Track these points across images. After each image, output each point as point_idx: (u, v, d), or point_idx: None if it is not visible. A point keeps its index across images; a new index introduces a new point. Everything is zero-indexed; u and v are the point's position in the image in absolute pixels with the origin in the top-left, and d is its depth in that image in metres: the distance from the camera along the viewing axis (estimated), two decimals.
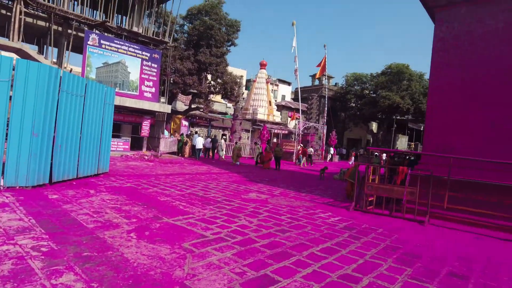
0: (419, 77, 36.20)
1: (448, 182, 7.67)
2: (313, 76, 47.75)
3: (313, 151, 28.01)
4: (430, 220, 7.67)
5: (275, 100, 47.15)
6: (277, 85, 59.11)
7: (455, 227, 7.40)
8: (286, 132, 36.07)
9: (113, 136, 15.93)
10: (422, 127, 38.35)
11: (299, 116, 31.35)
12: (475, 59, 8.56)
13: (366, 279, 3.95)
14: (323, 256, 4.63)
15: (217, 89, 26.55)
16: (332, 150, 33.03)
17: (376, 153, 23.82)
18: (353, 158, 30.06)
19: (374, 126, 43.63)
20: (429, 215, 7.65)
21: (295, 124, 34.03)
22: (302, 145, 26.31)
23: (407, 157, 15.81)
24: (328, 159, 32.06)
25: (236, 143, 22.14)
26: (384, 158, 16.90)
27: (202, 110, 27.66)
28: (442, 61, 9.08)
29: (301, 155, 23.56)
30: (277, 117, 38.65)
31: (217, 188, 10.03)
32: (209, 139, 22.37)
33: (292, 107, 43.75)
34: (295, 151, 26.54)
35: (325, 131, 32.93)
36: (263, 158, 19.62)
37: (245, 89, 50.09)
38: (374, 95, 37.64)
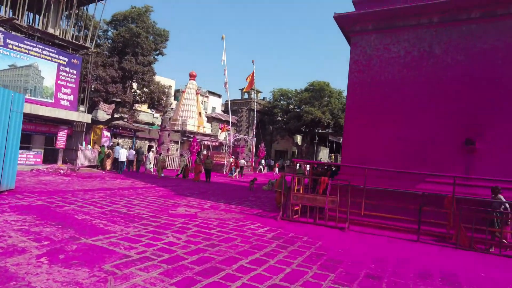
0: (338, 94, 39.47)
1: (364, 191, 8.44)
2: (243, 90, 48.81)
3: (245, 163, 28.39)
4: (350, 227, 8.31)
5: (205, 112, 46.88)
6: (207, 97, 58.92)
7: (371, 231, 8.13)
8: (217, 144, 36.02)
9: (22, 148, 14.11)
10: (341, 140, 41.67)
11: (230, 128, 31.61)
12: (384, 80, 9.67)
13: (293, 287, 4.09)
14: (252, 268, 4.68)
15: (143, 98, 25.44)
16: (263, 162, 33.89)
17: (299, 164, 25.05)
18: (276, 169, 31.27)
19: (299, 139, 46.09)
20: (348, 222, 8.28)
21: (226, 136, 34.22)
22: (234, 157, 26.50)
23: (329, 168, 16.98)
24: (258, 170, 32.79)
25: (160, 154, 21.31)
26: (308, 169, 17.89)
27: (126, 120, 26.14)
28: (356, 81, 10.06)
29: (234, 167, 23.68)
30: (207, 128, 38.38)
31: (142, 203, 9.50)
32: (132, 151, 21.12)
33: (223, 119, 43.98)
34: (225, 162, 26.59)
35: (254, 143, 33.70)
36: (187, 171, 19.22)
37: (174, 100, 48.89)
38: (299, 110, 39.88)
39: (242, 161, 25.93)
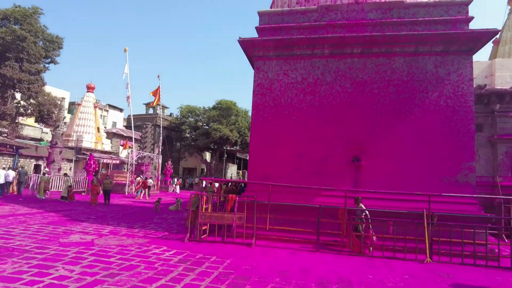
0: (245, 113, 41.05)
1: (269, 206, 8.86)
2: (148, 104, 46.76)
3: (152, 182, 26.84)
4: (257, 242, 8.58)
5: (105, 127, 43.29)
6: (107, 111, 54.62)
7: (276, 245, 8.53)
8: (118, 162, 33.40)
9: None
10: (248, 157, 43.10)
11: (133, 145, 29.75)
12: (285, 102, 10.47)
13: None
14: None
15: (30, 110, 22.27)
16: (176, 181, 32.52)
17: (210, 182, 24.95)
18: (178, 187, 30.30)
19: (207, 155, 46.04)
20: (255, 238, 8.55)
21: (128, 153, 32.04)
22: (142, 176, 24.87)
23: (239, 184, 17.33)
24: (172, 190, 31.34)
25: (44, 174, 18.81)
26: (216, 186, 17.92)
27: (6, 135, 22.41)
28: (260, 102, 10.66)
29: (141, 188, 22.18)
30: (107, 145, 35.40)
31: (26, 233, 8.19)
32: (12, 172, 18.10)
33: (125, 135, 41.17)
34: (127, 182, 24.79)
35: (160, 161, 32.34)
36: (71, 194, 17.36)
37: (68, 113, 43.97)
38: (207, 127, 40.05)
39: (150, 181, 24.54)
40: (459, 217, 8.47)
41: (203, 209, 8.98)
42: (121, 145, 39.04)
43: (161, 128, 35.30)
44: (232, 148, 42.61)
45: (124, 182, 25.08)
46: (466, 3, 9.81)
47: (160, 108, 41.97)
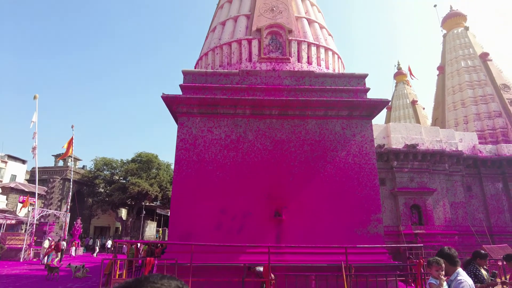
0: (167, 166, 39.74)
1: (191, 269, 8.34)
2: (57, 156, 42.35)
3: (65, 244, 23.25)
4: None
5: (0, 181, 37.47)
6: (5, 162, 47.70)
7: None
8: (13, 222, 28.61)
9: None
10: (169, 213, 40.94)
11: (35, 202, 26.06)
12: (208, 158, 10.52)
13: None
14: None
15: None
16: (99, 242, 28.70)
17: (124, 245, 22.72)
18: (75, 249, 26.69)
19: (123, 212, 42.47)
20: None
21: (29, 211, 27.88)
22: (50, 238, 21.41)
23: (159, 245, 16.09)
24: (96, 253, 27.45)
25: None
26: (133, 247, 16.36)
27: None
28: (183, 158, 10.53)
29: (54, 252, 18.95)
30: (1, 202, 30.38)
31: None
32: None
33: (26, 190, 35.99)
34: (24, 246, 21.16)
35: (68, 219, 28.69)
36: None
37: None
38: (124, 181, 37.49)
39: (63, 243, 21.25)
40: (372, 267, 9.07)
41: (117, 275, 8.05)
42: (20, 202, 33.88)
43: (71, 182, 31.94)
44: (152, 204, 40.20)
45: (19, 246, 21.39)
46: (363, 77, 11.57)
47: (71, 160, 38.38)
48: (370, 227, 10.06)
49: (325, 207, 10.17)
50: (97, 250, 27.57)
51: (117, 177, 38.96)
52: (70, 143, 27.93)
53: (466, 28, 26.09)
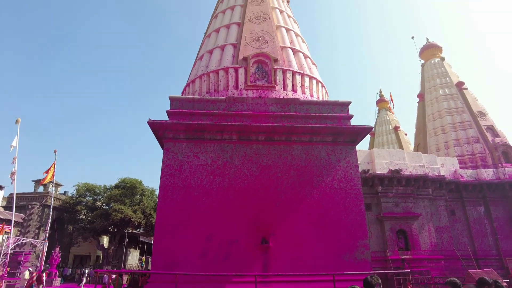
0: (151, 192, 38.98)
1: None
2: (38, 182, 41.04)
3: (45, 275, 21.94)
4: None
5: None
6: None
7: None
8: None
9: None
10: (152, 241, 39.70)
11: (11, 230, 24.89)
12: (194, 184, 10.43)
13: None
14: None
15: None
16: (87, 271, 27.09)
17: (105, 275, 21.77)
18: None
19: (105, 240, 40.97)
20: None
21: (3, 240, 26.56)
22: (31, 269, 20.22)
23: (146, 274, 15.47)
24: (82, 284, 25.90)
25: None
26: (113, 277, 15.69)
27: None
28: (168, 184, 10.40)
29: (35, 283, 17.82)
30: None
31: None
32: None
33: (2, 217, 34.45)
34: None
35: (45, 248, 27.41)
36: None
37: None
38: (107, 207, 36.46)
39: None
40: None
41: None
42: None
43: (51, 209, 30.83)
44: (135, 231, 39.05)
45: None
46: (346, 104, 11.92)
47: (52, 186, 37.23)
48: (357, 253, 10.02)
49: (312, 233, 10.11)
50: (84, 280, 26.16)
51: (99, 204, 37.90)
52: (52, 168, 27.20)
53: (442, 59, 27.43)
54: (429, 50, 28.06)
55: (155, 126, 10.81)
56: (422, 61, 28.57)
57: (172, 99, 11.52)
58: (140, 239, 42.88)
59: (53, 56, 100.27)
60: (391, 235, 16.09)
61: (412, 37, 31.40)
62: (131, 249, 43.43)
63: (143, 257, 45.36)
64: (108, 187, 38.31)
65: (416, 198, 17.40)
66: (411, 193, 17.16)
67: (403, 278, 13.12)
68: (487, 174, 19.93)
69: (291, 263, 9.64)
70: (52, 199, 34.96)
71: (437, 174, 18.36)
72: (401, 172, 16.92)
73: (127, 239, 37.60)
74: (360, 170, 13.89)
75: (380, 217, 16.38)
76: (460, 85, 25.18)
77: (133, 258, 44.48)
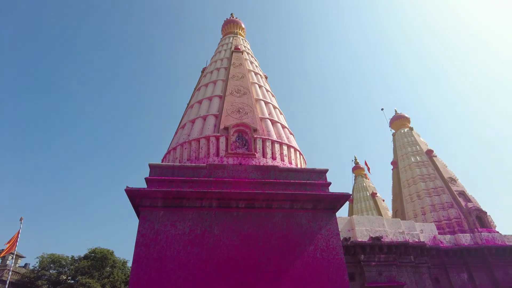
0: (122, 264, 36.41)
1: None
2: None
3: None
4: None
5: None
6: None
7: None
8: None
9: None
10: None
11: None
12: (171, 255, 9.91)
13: None
14: None
15: None
16: None
17: None
18: None
19: None
20: None
21: None
22: None
23: None
24: None
25: None
26: None
27: None
28: (143, 254, 9.82)
29: None
30: None
31: None
32: None
33: None
34: None
35: None
36: None
37: None
38: (73, 281, 33.40)
39: None
40: None
41: None
42: None
43: (8, 285, 27.87)
44: None
45: None
46: (324, 172, 12.27)
47: (12, 258, 34.20)
48: None
49: None
50: None
51: (64, 277, 34.75)
52: (15, 237, 25.32)
53: (411, 129, 29.35)
54: (398, 121, 30.07)
55: (132, 193, 10.58)
56: (393, 131, 30.37)
57: (151, 166, 11.50)
58: None
59: (28, 108, 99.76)
60: None
61: (382, 109, 33.82)
62: None
63: None
64: (76, 258, 35.57)
65: (399, 266, 17.09)
66: (393, 260, 16.89)
67: None
68: (465, 239, 20.12)
69: None
70: (10, 273, 31.86)
71: (417, 240, 18.36)
72: (382, 239, 16.84)
73: None
74: (341, 238, 13.77)
75: (364, 287, 15.80)
76: (429, 152, 26.61)
77: None
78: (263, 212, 10.97)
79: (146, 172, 11.57)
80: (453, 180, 24.70)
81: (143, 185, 11.02)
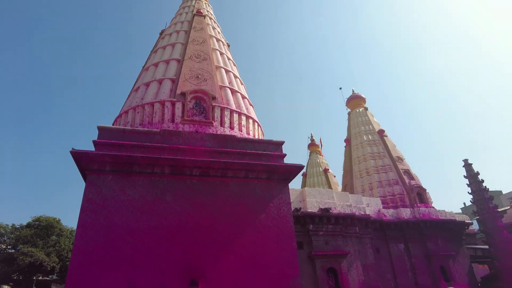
0: (70, 233, 34.99)
1: None
2: None
3: None
4: None
5: None
6: None
7: None
8: None
9: None
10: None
11: None
12: (119, 222, 9.55)
13: None
14: None
15: None
16: None
17: None
18: None
19: None
20: None
21: None
22: None
23: None
24: None
25: None
26: None
27: None
28: (88, 220, 9.38)
29: None
30: None
31: None
32: None
33: None
34: None
35: None
36: None
37: None
38: (13, 250, 31.58)
39: None
40: None
41: None
42: None
43: None
44: (46, 278, 34.07)
45: None
46: (280, 143, 12.36)
47: None
48: None
49: (245, 272, 9.78)
50: None
51: (4, 246, 32.72)
52: None
53: (366, 108, 30.44)
54: (355, 101, 31.00)
55: (78, 156, 9.91)
56: (349, 110, 31.34)
57: (100, 129, 10.80)
58: (52, 287, 37.35)
59: None
60: (322, 274, 16.30)
61: (340, 88, 34.61)
62: None
63: None
64: (17, 226, 33.51)
65: (345, 237, 18.11)
66: (340, 231, 17.84)
67: None
68: (406, 213, 21.74)
69: None
70: None
71: (363, 213, 19.49)
72: (330, 211, 17.64)
73: (35, 287, 32.49)
74: (292, 209, 14.18)
75: (311, 255, 16.61)
76: (381, 132, 27.91)
77: None
78: (218, 181, 10.88)
79: (96, 136, 10.87)
80: (400, 159, 26.28)
81: (92, 148, 10.37)
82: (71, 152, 9.78)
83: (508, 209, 26.66)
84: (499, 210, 23.74)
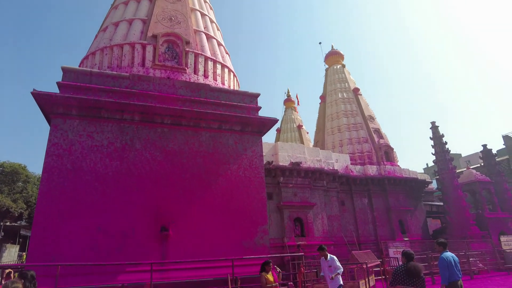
0: (38, 179, 34.12)
1: None
2: None
3: None
4: None
5: None
6: None
7: None
8: None
9: None
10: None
11: None
12: (86, 168, 9.34)
13: None
14: None
15: None
16: None
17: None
18: None
19: None
20: None
21: None
22: None
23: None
24: None
25: None
26: None
27: None
28: (55, 166, 9.10)
29: None
30: None
31: None
32: None
33: None
34: None
35: None
36: None
37: None
38: None
39: None
40: (258, 278, 9.23)
41: None
42: None
43: None
44: (14, 224, 33.72)
45: None
46: (255, 96, 12.17)
47: None
48: (257, 238, 10.34)
49: (215, 220, 10.06)
50: None
51: None
52: None
53: (343, 66, 30.32)
54: (333, 57, 30.65)
55: (41, 98, 9.32)
56: (327, 66, 31.09)
57: (65, 70, 10.09)
58: (21, 232, 37.18)
59: None
60: (289, 223, 17.14)
61: (320, 43, 34.00)
62: (8, 245, 37.37)
63: (24, 253, 39.50)
64: None
65: (313, 189, 18.87)
66: (308, 184, 18.54)
67: (297, 262, 14.10)
68: (372, 170, 22.78)
69: (192, 251, 9.42)
70: None
71: (331, 168, 20.22)
72: (301, 165, 18.13)
73: (3, 233, 32.23)
74: (265, 162, 14.41)
75: (280, 205, 17.30)
76: (356, 91, 28.17)
77: (11, 255, 38.38)
78: (190, 130, 10.71)
79: (60, 78, 10.17)
80: (372, 118, 26.94)
81: (56, 91, 9.75)
82: (32, 93, 9.16)
83: (465, 170, 28.55)
84: (457, 171, 25.39)
